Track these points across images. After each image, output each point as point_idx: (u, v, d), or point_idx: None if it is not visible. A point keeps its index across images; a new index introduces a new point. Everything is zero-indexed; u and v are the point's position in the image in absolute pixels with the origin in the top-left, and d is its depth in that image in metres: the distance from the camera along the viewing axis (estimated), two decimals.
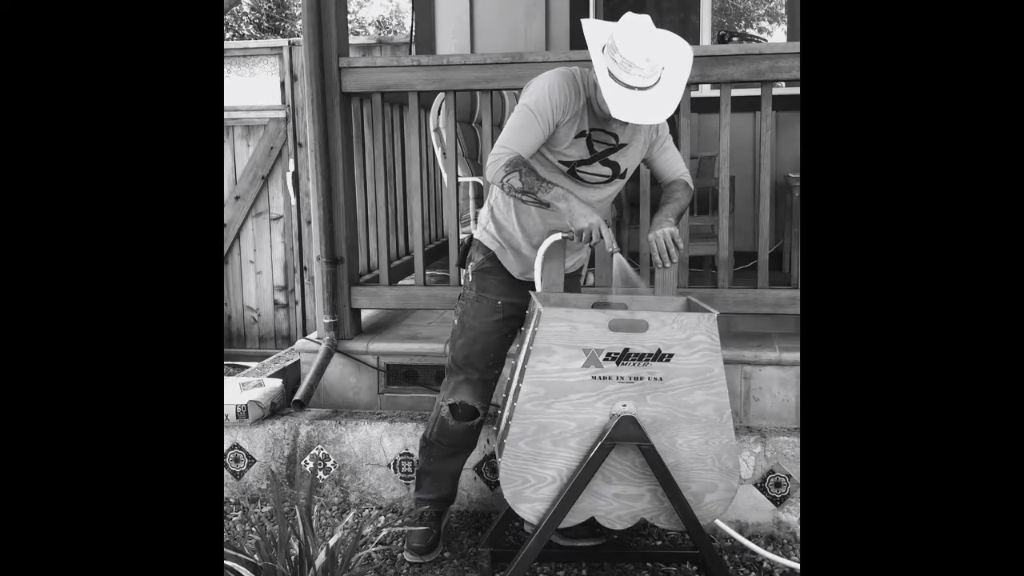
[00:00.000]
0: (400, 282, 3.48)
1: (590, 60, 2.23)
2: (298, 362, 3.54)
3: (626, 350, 2.15)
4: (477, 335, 2.52)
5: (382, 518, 2.89)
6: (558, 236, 2.34)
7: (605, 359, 2.15)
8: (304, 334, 5.22)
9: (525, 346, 2.26)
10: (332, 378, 3.28)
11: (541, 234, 2.42)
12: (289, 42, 5.36)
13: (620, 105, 2.12)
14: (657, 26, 2.21)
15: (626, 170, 2.43)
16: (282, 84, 5.38)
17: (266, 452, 3.07)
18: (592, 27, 2.24)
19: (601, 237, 2.19)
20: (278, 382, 3.31)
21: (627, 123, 2.29)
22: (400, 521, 2.87)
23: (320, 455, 3.04)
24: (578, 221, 2.20)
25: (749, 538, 2.75)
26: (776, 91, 3.05)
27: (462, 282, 2.61)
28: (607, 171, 2.38)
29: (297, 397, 3.15)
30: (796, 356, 2.93)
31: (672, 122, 2.46)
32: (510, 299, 2.50)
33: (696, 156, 4.60)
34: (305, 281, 5.47)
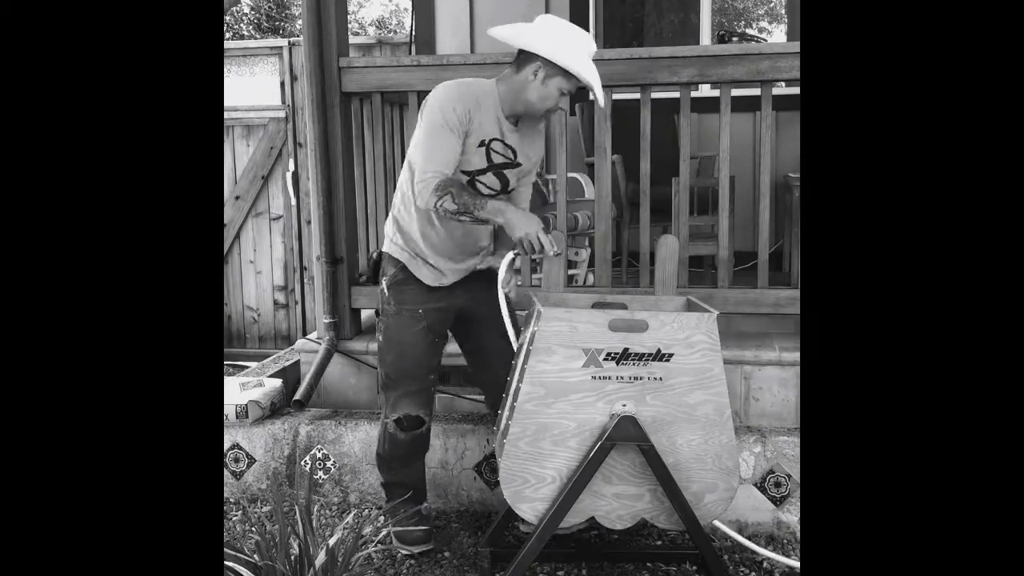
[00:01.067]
0: None
1: (594, 60, 2.26)
2: (298, 362, 3.54)
3: (626, 350, 2.15)
4: (405, 348, 2.51)
5: (382, 518, 2.89)
6: (510, 255, 2.37)
7: (605, 359, 2.15)
8: (304, 334, 5.22)
9: (525, 346, 2.26)
10: (332, 378, 3.27)
11: (445, 243, 2.43)
12: (289, 42, 5.36)
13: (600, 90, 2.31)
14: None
15: (512, 188, 2.48)
16: (282, 84, 5.38)
17: (266, 452, 3.07)
18: (516, 33, 2.33)
19: (542, 246, 2.23)
20: (278, 382, 3.31)
21: (523, 140, 2.41)
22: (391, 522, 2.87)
23: (320, 455, 3.04)
24: (516, 231, 2.23)
25: (749, 538, 2.75)
26: (776, 91, 3.06)
27: (379, 298, 2.57)
28: (498, 184, 2.43)
29: (297, 397, 3.15)
30: (796, 356, 2.93)
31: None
32: (430, 305, 2.49)
33: (696, 156, 4.60)
34: (305, 281, 5.47)
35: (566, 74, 2.28)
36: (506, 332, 2.49)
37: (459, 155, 2.31)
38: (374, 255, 2.69)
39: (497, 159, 2.37)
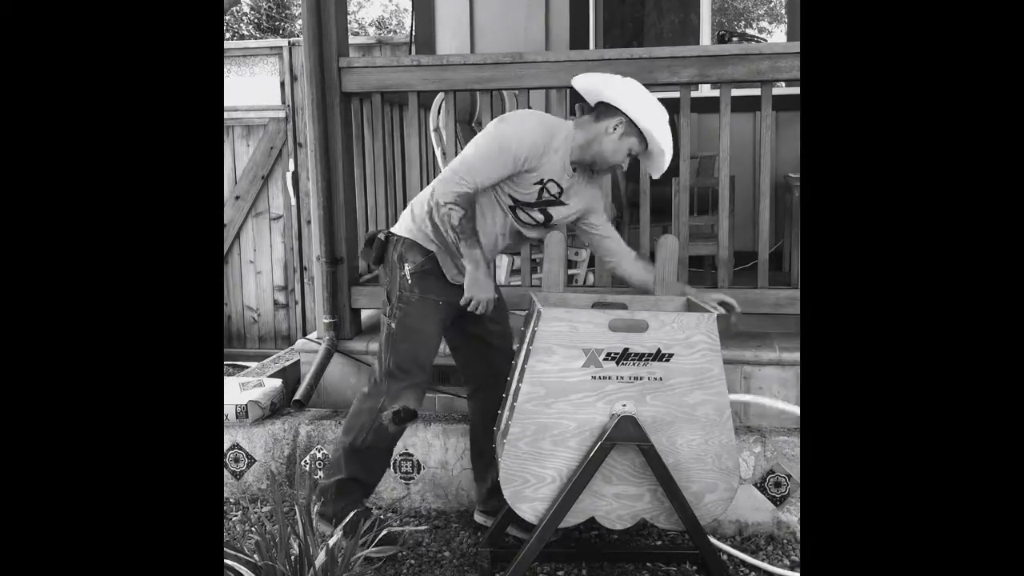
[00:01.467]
0: None
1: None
2: (298, 362, 3.54)
3: (626, 350, 2.15)
4: (424, 337, 2.51)
5: (382, 518, 2.90)
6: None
7: (605, 359, 2.16)
8: (304, 334, 5.22)
9: (525, 346, 2.26)
10: (332, 378, 3.27)
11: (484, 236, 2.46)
12: (289, 42, 5.36)
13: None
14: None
15: (555, 222, 2.52)
16: (282, 84, 5.38)
17: (266, 452, 3.07)
18: (603, 84, 2.41)
19: (477, 311, 2.38)
20: (278, 382, 3.31)
21: (575, 185, 2.47)
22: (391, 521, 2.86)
23: (320, 455, 3.04)
24: (475, 291, 2.33)
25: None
26: (776, 91, 3.06)
27: (397, 284, 2.50)
28: (540, 217, 2.48)
29: (297, 397, 3.15)
30: (796, 356, 2.93)
31: (672, 122, 2.48)
32: (449, 298, 2.49)
33: (696, 156, 4.60)
34: (305, 281, 5.47)
35: (641, 136, 2.38)
36: (507, 331, 2.64)
37: (500, 180, 2.38)
38: (380, 236, 2.59)
39: (546, 196, 2.44)
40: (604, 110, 2.39)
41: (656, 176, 2.54)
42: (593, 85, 2.42)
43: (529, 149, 2.33)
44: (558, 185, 2.42)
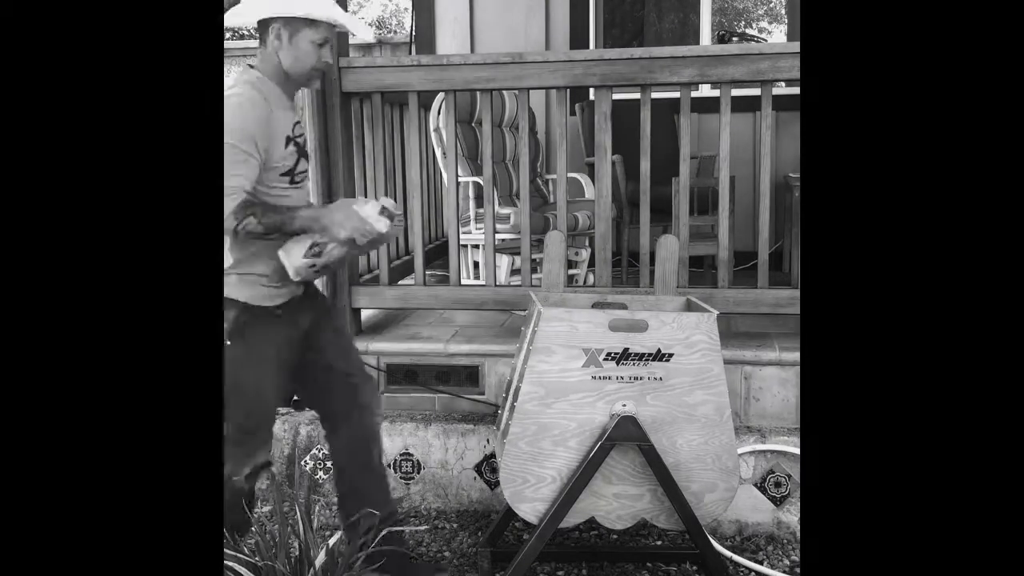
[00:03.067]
0: (400, 282, 3.48)
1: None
2: None
3: (626, 350, 2.15)
4: (263, 392, 2.25)
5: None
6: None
7: (605, 359, 2.16)
8: None
9: (525, 346, 2.26)
10: None
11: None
12: None
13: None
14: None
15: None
16: None
17: None
18: (243, 10, 2.19)
19: (375, 230, 2.08)
20: None
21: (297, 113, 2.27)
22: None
23: (320, 455, 3.04)
24: (341, 231, 2.07)
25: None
26: (776, 91, 3.06)
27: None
28: (305, 163, 2.25)
29: (297, 397, 3.14)
30: (796, 356, 2.93)
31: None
32: (278, 337, 2.24)
33: (696, 156, 4.61)
34: None
35: (309, 23, 2.11)
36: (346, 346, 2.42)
37: (257, 171, 2.08)
38: None
39: (301, 141, 2.23)
40: (263, 29, 2.15)
41: (357, 32, 2.32)
42: (242, 17, 2.20)
43: (258, 131, 2.06)
44: (298, 123, 2.23)
